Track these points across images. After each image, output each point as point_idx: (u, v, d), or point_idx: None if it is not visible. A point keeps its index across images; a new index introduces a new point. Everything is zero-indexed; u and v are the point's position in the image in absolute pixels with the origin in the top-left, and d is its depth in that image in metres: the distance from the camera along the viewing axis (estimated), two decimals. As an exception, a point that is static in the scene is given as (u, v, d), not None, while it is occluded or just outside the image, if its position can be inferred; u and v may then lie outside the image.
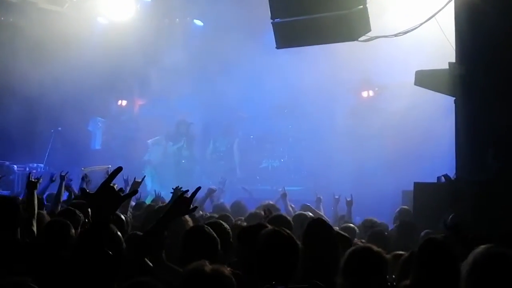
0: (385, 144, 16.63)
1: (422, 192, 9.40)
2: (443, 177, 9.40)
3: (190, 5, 17.70)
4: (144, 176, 9.47)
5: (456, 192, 8.73)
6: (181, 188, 8.64)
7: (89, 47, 16.82)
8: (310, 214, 8.40)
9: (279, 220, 6.23)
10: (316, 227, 5.51)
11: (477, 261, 3.56)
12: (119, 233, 3.97)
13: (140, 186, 9.29)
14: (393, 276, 4.68)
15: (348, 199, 10.66)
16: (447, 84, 9.50)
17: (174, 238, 4.91)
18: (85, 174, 10.84)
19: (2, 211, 5.40)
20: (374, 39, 10.16)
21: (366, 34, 10.04)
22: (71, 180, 10.45)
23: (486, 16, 8.54)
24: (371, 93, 19.38)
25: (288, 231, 4.33)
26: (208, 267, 3.25)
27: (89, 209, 6.21)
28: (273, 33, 10.40)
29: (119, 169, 3.24)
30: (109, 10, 16.87)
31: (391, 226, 9.05)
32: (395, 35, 10.31)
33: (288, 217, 6.73)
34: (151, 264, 4.58)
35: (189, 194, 4.59)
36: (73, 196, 9.84)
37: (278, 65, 16.69)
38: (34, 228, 6.42)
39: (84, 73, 16.85)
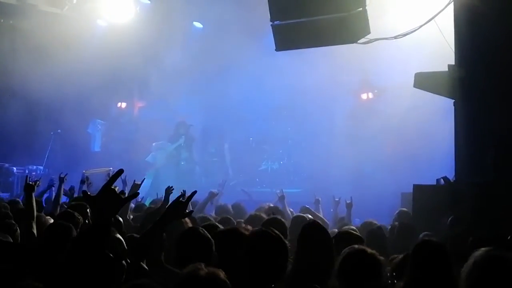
0: (385, 146, 16.66)
1: (421, 194, 9.39)
2: (442, 179, 9.39)
3: (189, 7, 17.70)
4: (144, 179, 9.46)
5: (456, 194, 8.74)
6: (172, 188, 8.71)
7: (88, 49, 16.82)
8: (310, 216, 8.39)
9: (274, 222, 6.20)
10: (311, 230, 5.50)
11: (477, 264, 3.57)
12: (119, 235, 3.96)
13: (140, 188, 9.29)
14: (392, 277, 4.68)
15: (348, 202, 10.65)
16: (446, 87, 9.50)
17: (172, 240, 4.92)
18: (86, 177, 10.84)
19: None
20: (373, 41, 10.16)
21: (366, 37, 10.04)
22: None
23: (485, 19, 8.56)
24: (370, 95, 19.41)
25: (276, 231, 4.26)
26: (203, 270, 3.24)
27: (89, 211, 6.24)
28: (272, 35, 10.41)
29: (120, 172, 3.25)
30: (108, 13, 16.88)
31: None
32: (395, 38, 10.31)
33: (283, 220, 6.69)
34: (147, 267, 4.58)
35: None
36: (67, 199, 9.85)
37: (277, 67, 16.70)
38: (34, 231, 6.43)
39: (84, 75, 16.85)
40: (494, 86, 8.61)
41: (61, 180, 9.75)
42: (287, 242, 4.28)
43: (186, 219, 5.85)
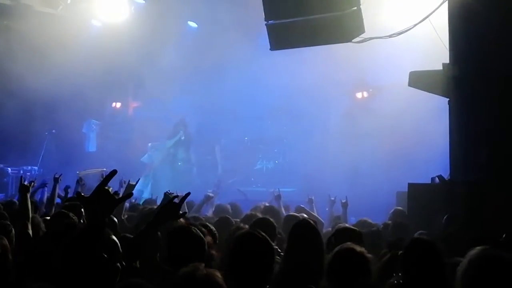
0: (380, 145, 16.67)
1: (416, 192, 9.40)
2: (437, 178, 9.40)
3: (184, 7, 17.68)
4: (139, 179, 9.45)
5: (450, 193, 8.74)
6: (172, 193, 8.66)
7: (83, 49, 16.80)
8: (305, 215, 8.39)
9: (262, 223, 6.17)
10: (302, 229, 5.50)
11: (472, 263, 3.58)
12: (114, 237, 3.95)
13: (135, 188, 9.28)
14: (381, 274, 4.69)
15: (343, 201, 10.65)
16: (441, 85, 9.51)
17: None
18: (80, 178, 10.83)
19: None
20: (368, 40, 10.17)
21: (360, 36, 10.06)
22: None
23: (479, 17, 8.56)
24: (365, 94, 19.43)
25: (263, 233, 4.22)
26: (201, 271, 3.22)
27: (83, 211, 6.23)
28: (267, 34, 10.41)
29: (113, 173, 3.25)
30: (103, 13, 16.84)
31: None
32: (389, 36, 10.33)
33: (272, 220, 6.66)
34: (140, 268, 4.56)
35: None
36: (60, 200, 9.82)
37: (272, 67, 16.71)
38: (30, 232, 6.42)
39: (79, 75, 16.83)
40: (488, 85, 8.61)
41: (56, 181, 9.71)
42: (274, 244, 4.25)
43: (182, 220, 5.83)
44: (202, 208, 10.47)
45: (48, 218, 7.14)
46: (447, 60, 9.32)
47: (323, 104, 18.23)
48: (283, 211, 10.08)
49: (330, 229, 8.63)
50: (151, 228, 4.41)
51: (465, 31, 8.89)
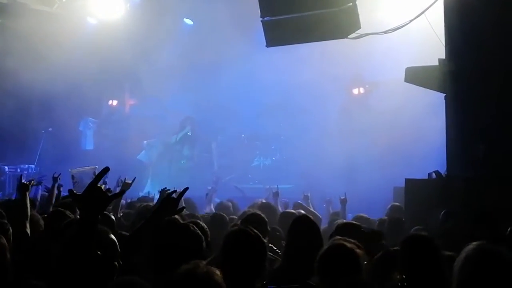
0: (376, 141, 16.68)
1: (413, 188, 9.40)
2: (434, 174, 9.41)
3: (179, 4, 17.67)
4: (135, 178, 9.43)
5: (447, 188, 8.76)
6: (168, 190, 8.65)
7: (79, 47, 16.77)
8: (302, 212, 8.39)
9: (253, 219, 6.16)
10: (301, 224, 5.49)
11: (469, 258, 3.58)
12: (112, 236, 3.92)
13: (133, 186, 9.27)
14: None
15: (342, 198, 10.60)
16: (437, 81, 9.52)
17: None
18: (72, 175, 10.82)
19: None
20: (364, 36, 10.18)
21: (356, 32, 10.06)
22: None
23: (475, 12, 8.58)
24: (362, 90, 19.44)
25: (255, 230, 4.22)
26: (201, 269, 3.20)
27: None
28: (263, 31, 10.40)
29: (105, 170, 3.26)
30: (98, 10, 16.81)
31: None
32: (385, 32, 10.34)
33: (263, 215, 6.65)
34: (136, 264, 4.55)
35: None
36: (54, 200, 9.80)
37: (268, 63, 16.67)
38: (28, 230, 6.42)
39: (75, 73, 16.79)
40: (484, 80, 8.63)
41: (55, 180, 9.69)
42: (265, 239, 4.25)
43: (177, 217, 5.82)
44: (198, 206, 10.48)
45: (46, 216, 7.13)
46: (443, 56, 9.34)
47: (320, 100, 18.19)
48: (280, 208, 10.07)
49: (327, 225, 8.65)
50: (149, 224, 4.38)
51: (461, 26, 8.91)
